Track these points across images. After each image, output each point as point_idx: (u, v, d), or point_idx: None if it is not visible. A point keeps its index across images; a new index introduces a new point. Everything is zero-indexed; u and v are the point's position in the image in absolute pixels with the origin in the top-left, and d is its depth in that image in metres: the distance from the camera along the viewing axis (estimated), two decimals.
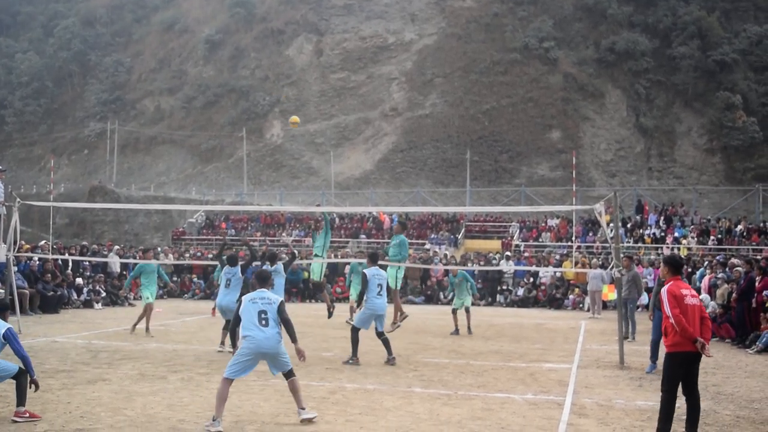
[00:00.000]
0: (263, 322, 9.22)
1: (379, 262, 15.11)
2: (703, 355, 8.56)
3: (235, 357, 9.28)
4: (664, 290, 8.70)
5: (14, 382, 9.29)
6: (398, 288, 17.78)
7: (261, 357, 9.29)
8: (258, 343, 9.14)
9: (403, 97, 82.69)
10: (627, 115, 76.82)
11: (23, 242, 26.95)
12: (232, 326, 10.32)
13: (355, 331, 14.35)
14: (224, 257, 16.31)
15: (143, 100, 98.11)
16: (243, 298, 9.47)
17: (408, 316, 17.11)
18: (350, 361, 14.10)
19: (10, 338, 9.27)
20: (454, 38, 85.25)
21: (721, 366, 14.65)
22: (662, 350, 9.51)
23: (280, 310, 9.38)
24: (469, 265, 31.89)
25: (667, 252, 32.82)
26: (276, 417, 9.45)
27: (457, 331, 19.60)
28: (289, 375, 9.43)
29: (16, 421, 8.97)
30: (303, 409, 9.29)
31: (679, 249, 34.27)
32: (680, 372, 8.55)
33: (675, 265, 9.14)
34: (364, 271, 14.56)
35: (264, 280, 9.80)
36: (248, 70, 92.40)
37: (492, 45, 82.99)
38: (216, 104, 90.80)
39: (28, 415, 9.13)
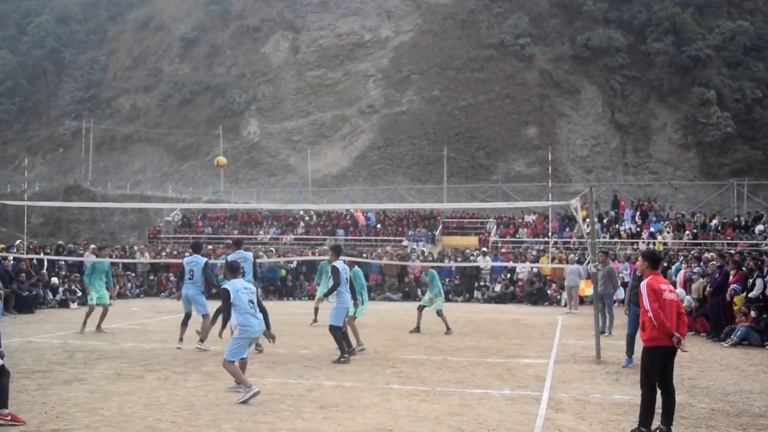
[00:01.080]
0: (253, 309, 10.54)
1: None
2: (679, 350, 8.64)
3: (234, 342, 10.48)
4: (643, 284, 8.76)
5: None
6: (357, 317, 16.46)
7: (252, 340, 10.75)
8: (254, 329, 10.50)
9: (379, 94, 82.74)
10: (602, 111, 77.28)
11: None
12: (225, 315, 10.81)
13: (337, 329, 14.04)
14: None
15: (119, 98, 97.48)
16: (229, 287, 10.49)
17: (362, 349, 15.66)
18: (342, 359, 13.86)
19: None
20: (430, 35, 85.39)
21: (696, 359, 14.77)
22: (638, 345, 9.57)
23: (259, 299, 10.78)
24: (447, 261, 31.97)
25: (643, 247, 33.02)
26: (254, 415, 9.42)
27: (417, 329, 19.07)
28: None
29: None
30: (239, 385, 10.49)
31: (654, 244, 34.46)
32: (658, 366, 8.61)
33: (653, 260, 9.21)
34: (335, 264, 14.23)
35: (236, 271, 11.18)
36: (224, 68, 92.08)
37: (468, 41, 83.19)
38: (192, 102, 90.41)
39: (10, 417, 8.87)
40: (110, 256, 26.34)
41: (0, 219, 61.83)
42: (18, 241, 28.65)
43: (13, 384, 10.41)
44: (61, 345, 15.85)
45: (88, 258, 29.11)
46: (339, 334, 14.03)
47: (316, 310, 20.54)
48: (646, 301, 8.60)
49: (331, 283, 14.26)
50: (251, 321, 10.44)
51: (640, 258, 9.59)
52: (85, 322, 18.21)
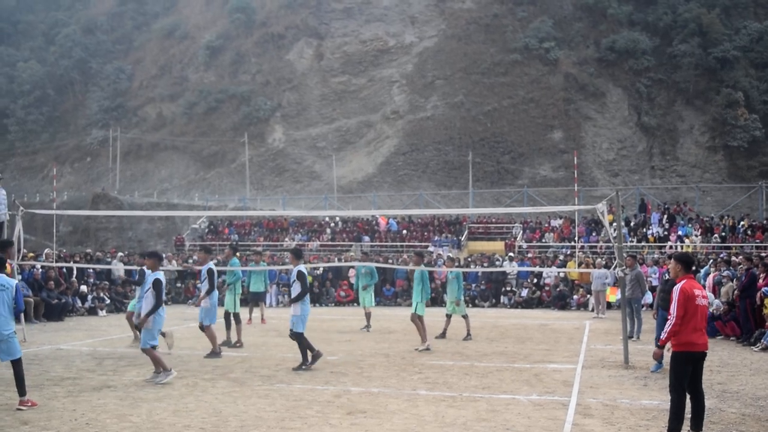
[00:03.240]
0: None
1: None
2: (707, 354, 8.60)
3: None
4: (676, 288, 8.65)
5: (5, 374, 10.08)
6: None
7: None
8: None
9: (404, 100, 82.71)
10: (628, 114, 76.77)
11: (26, 250, 26.98)
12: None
13: (300, 336, 13.75)
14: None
15: (145, 106, 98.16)
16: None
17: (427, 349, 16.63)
18: (303, 367, 13.65)
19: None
20: (454, 40, 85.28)
21: (726, 364, 14.64)
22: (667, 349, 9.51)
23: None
24: (473, 266, 31.90)
25: (670, 250, 32.77)
26: (281, 422, 9.45)
27: (443, 335, 18.97)
28: None
29: (20, 409, 9.95)
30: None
31: (682, 247, 34.22)
32: (688, 371, 8.55)
33: (687, 263, 9.04)
34: (301, 269, 13.93)
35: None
36: (249, 76, 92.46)
37: (492, 46, 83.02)
38: (217, 110, 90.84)
39: (30, 404, 10.05)
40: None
41: (29, 228, 62.14)
42: (47, 250, 28.95)
43: (44, 391, 10.55)
44: (90, 352, 15.99)
45: (116, 266, 29.40)
46: (303, 340, 13.77)
47: (367, 315, 20.96)
48: (674, 306, 8.53)
49: (299, 288, 13.77)
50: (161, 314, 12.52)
51: (672, 261, 9.37)
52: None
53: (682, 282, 8.73)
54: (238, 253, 20.21)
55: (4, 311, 10.03)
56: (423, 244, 40.40)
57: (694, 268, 24.07)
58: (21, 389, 10.09)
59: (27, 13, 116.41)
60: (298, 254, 14.51)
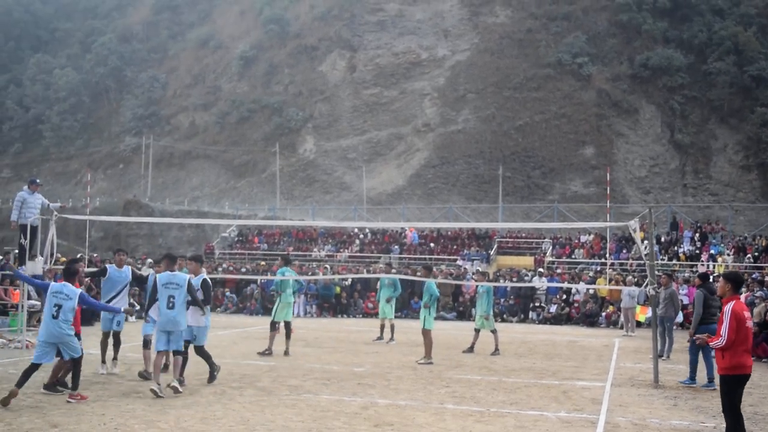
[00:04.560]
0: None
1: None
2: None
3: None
4: (728, 309, 8.44)
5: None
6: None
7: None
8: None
9: (435, 113, 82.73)
10: (661, 132, 76.21)
11: (59, 255, 27.21)
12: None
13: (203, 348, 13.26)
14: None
15: (178, 115, 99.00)
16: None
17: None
18: (214, 376, 13.14)
19: (84, 299, 11.65)
20: (486, 54, 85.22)
21: (758, 386, 14.43)
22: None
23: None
24: (501, 281, 31.76)
25: (702, 269, 32.43)
26: None
27: (471, 349, 18.94)
28: None
29: (70, 402, 10.92)
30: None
31: (714, 266, 33.87)
32: (740, 393, 8.43)
33: (737, 282, 8.85)
34: (207, 278, 13.35)
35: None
36: (282, 86, 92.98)
37: (525, 60, 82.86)
38: (249, 120, 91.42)
39: (79, 397, 11.11)
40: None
41: (61, 233, 62.70)
42: (79, 255, 29.17)
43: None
44: (120, 357, 16.05)
45: (146, 272, 29.55)
46: (206, 353, 13.22)
47: (383, 326, 20.89)
48: (725, 328, 8.33)
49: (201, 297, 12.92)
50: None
51: (721, 280, 9.10)
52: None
53: (732, 303, 8.51)
54: (289, 264, 19.29)
55: (70, 317, 11.30)
56: (452, 257, 40.32)
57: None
58: (74, 384, 11.30)
59: (64, 21, 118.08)
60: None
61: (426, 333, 16.74)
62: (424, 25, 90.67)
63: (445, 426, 9.99)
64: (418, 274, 22.97)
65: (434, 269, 30.10)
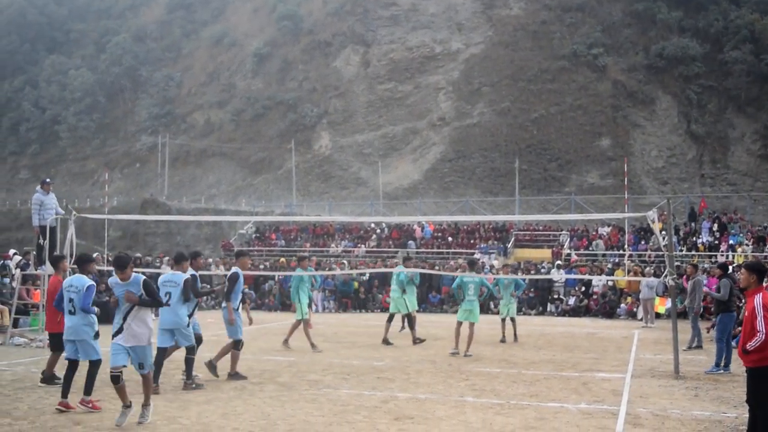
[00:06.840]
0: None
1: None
2: None
3: None
4: (758, 302, 8.16)
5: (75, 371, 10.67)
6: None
7: None
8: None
9: (450, 107, 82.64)
10: (678, 122, 75.82)
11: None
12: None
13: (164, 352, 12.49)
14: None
15: (193, 113, 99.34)
16: None
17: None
18: (194, 386, 12.33)
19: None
20: (501, 47, 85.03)
21: None
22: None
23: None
24: (519, 273, 31.69)
25: (721, 259, 32.23)
26: (329, 426, 9.46)
27: (503, 340, 19.70)
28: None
29: (80, 407, 10.23)
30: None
31: (733, 257, 33.65)
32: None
33: (762, 272, 8.60)
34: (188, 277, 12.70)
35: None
36: (296, 83, 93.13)
37: (540, 53, 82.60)
38: (264, 116, 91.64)
39: (91, 405, 10.29)
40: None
41: (80, 233, 62.99)
42: (96, 254, 29.30)
43: (94, 392, 10.68)
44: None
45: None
46: (164, 357, 12.41)
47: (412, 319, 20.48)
48: (760, 322, 8.01)
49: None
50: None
51: (744, 270, 8.83)
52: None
53: (761, 295, 8.24)
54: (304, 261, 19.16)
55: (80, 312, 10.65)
56: (469, 251, 40.20)
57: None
58: (87, 387, 10.42)
59: (79, 22, 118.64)
60: (179, 258, 12.96)
61: (458, 325, 16.91)
62: (438, 18, 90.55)
63: (465, 419, 9.99)
64: (459, 270, 22.84)
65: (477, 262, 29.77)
